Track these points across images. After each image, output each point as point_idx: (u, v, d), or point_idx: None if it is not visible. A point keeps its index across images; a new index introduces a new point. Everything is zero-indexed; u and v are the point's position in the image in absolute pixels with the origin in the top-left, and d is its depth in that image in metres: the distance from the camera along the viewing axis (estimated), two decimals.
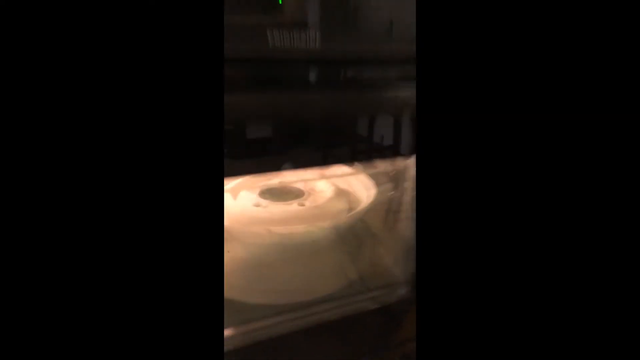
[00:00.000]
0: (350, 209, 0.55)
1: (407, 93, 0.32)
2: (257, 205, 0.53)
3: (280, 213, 0.52)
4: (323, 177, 0.60)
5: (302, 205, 0.54)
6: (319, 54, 0.27)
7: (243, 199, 0.55)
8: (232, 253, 0.51)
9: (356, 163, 0.53)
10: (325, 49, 0.27)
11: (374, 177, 0.56)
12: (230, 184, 0.57)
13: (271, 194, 0.57)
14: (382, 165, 0.51)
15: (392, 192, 0.54)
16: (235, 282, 0.49)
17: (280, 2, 0.26)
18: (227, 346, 0.41)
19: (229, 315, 0.45)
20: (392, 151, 0.40)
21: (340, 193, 0.58)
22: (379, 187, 0.55)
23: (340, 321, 0.46)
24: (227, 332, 0.43)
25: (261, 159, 0.31)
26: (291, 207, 0.53)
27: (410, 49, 0.20)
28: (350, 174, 0.59)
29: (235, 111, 0.26)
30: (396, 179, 0.51)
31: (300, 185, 0.59)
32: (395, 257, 0.54)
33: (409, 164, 0.46)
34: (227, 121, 0.21)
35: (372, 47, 0.29)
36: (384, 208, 0.55)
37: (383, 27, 0.28)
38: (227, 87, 0.20)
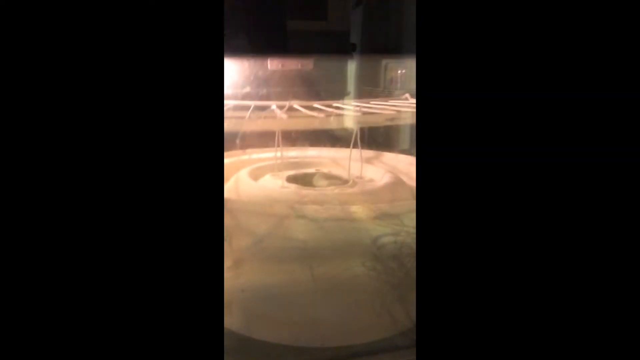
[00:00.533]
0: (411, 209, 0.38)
1: None
2: (284, 188, 0.39)
3: (314, 197, 0.37)
4: (378, 160, 0.45)
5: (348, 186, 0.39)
6: None
7: (269, 184, 0.41)
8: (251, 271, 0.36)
9: None
10: None
11: None
12: (248, 167, 0.44)
13: (299, 179, 0.42)
14: None
15: None
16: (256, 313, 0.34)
17: None
18: None
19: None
20: None
21: (399, 183, 0.42)
22: None
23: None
24: None
25: None
26: (329, 190, 0.38)
27: None
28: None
29: None
30: None
31: (339, 173, 0.44)
32: None
33: None
34: None
35: None
36: None
37: None
38: None
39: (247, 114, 0.36)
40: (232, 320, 0.36)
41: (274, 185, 0.40)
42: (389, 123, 0.35)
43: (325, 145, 0.49)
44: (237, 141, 0.41)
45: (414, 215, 0.19)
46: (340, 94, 0.52)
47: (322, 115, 0.33)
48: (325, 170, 0.45)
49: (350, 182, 0.41)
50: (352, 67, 0.55)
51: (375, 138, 0.49)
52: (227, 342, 0.21)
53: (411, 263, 0.35)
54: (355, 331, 0.36)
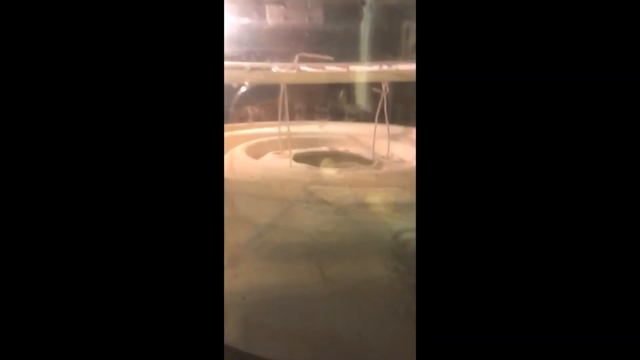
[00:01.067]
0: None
1: None
2: (292, 167, 0.30)
3: (325, 178, 0.29)
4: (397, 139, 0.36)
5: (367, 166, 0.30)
6: None
7: (269, 163, 0.32)
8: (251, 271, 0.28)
9: None
10: None
11: None
12: (246, 143, 0.35)
13: (312, 161, 0.34)
14: None
15: None
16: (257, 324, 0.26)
17: None
18: None
19: None
20: None
21: None
22: None
23: None
24: None
25: None
26: (343, 174, 0.30)
27: None
28: None
29: None
30: None
31: (360, 152, 0.36)
32: None
33: None
34: None
35: None
36: None
37: None
38: None
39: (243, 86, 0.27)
40: (228, 331, 0.28)
41: (279, 165, 0.31)
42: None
43: (342, 120, 0.40)
44: (231, 109, 0.32)
45: None
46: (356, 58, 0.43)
47: (337, 68, 0.24)
48: (342, 149, 0.37)
49: (376, 163, 0.33)
50: (366, 29, 0.46)
51: (403, 111, 0.40)
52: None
53: None
54: (375, 347, 0.28)
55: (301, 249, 0.28)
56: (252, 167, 0.31)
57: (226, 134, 0.37)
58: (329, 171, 0.30)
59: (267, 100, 0.33)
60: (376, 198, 0.30)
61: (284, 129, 0.33)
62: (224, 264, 0.26)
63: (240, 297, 0.28)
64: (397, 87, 0.37)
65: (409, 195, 0.29)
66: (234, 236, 0.28)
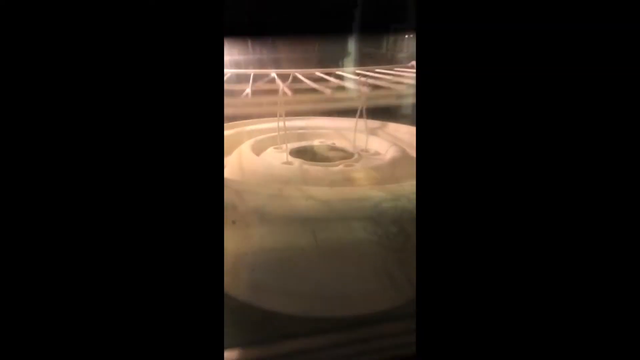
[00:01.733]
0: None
1: None
2: (288, 163, 0.38)
3: (318, 175, 0.36)
4: (382, 129, 0.43)
5: (351, 166, 0.38)
6: None
7: (269, 158, 0.40)
8: (256, 233, 0.36)
9: None
10: None
11: None
12: (252, 140, 0.42)
13: (302, 152, 0.41)
14: None
15: None
16: (260, 281, 0.35)
17: None
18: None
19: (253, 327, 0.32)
20: None
21: (405, 157, 0.41)
22: None
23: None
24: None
25: None
26: (335, 169, 0.38)
27: None
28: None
29: None
30: None
31: (344, 145, 0.43)
32: None
33: None
34: None
35: None
36: None
37: None
38: None
39: (248, 89, 0.34)
40: (235, 285, 0.36)
41: (277, 160, 0.39)
42: (398, 102, 0.33)
43: (329, 115, 0.47)
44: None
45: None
46: (341, 58, 0.49)
47: (328, 91, 0.31)
48: (329, 142, 0.44)
49: (355, 155, 0.40)
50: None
51: (380, 107, 0.46)
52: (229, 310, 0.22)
53: (412, 228, 0.35)
54: (360, 301, 0.37)
55: (298, 216, 0.35)
56: (256, 164, 0.38)
57: (231, 132, 0.45)
58: (317, 166, 0.38)
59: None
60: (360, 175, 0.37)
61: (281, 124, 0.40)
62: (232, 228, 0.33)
63: (244, 254, 0.36)
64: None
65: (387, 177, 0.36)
66: (240, 209, 0.34)
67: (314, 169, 0.37)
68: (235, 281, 0.35)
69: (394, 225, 0.37)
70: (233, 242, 0.34)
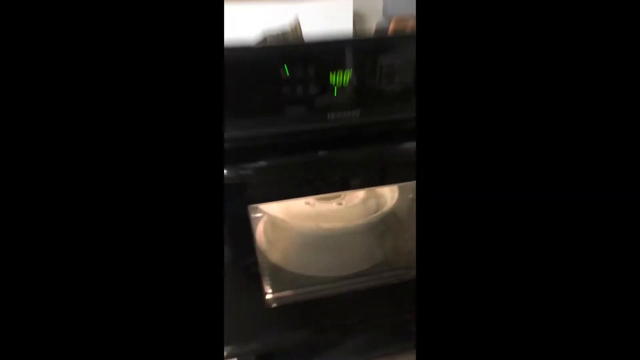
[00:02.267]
0: (378, 208, 0.72)
1: None
2: (307, 204, 0.72)
3: (325, 211, 0.70)
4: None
5: (340, 204, 0.72)
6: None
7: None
8: (288, 237, 0.71)
9: None
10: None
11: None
12: None
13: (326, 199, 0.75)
14: None
15: (410, 196, 0.70)
16: (293, 260, 0.68)
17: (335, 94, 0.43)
18: (288, 301, 0.61)
19: (288, 282, 0.65)
20: None
21: (371, 195, 0.75)
22: (400, 192, 0.71)
23: (369, 290, 0.65)
24: (287, 294, 0.62)
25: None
26: (332, 206, 0.71)
27: None
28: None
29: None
30: (410, 188, 0.67)
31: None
32: (408, 251, 0.70)
33: None
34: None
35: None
36: (406, 208, 0.72)
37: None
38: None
39: None
40: (272, 256, 0.70)
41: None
42: None
43: None
44: None
45: None
46: None
47: None
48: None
49: (341, 196, 0.74)
50: None
51: None
52: (267, 268, 0.52)
53: (389, 221, 0.71)
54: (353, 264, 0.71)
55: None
56: (289, 204, 0.72)
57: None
58: (321, 205, 0.71)
59: None
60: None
61: None
62: None
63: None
64: None
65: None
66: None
67: (321, 206, 0.71)
68: (274, 255, 0.69)
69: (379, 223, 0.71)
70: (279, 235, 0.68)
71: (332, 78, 0.43)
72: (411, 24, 0.64)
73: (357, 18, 0.95)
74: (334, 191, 0.54)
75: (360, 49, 0.42)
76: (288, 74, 0.41)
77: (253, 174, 0.44)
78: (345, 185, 0.51)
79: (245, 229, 0.50)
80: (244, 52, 0.40)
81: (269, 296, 0.61)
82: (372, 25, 0.98)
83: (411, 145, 0.48)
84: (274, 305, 0.60)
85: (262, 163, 0.44)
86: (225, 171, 0.42)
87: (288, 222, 0.66)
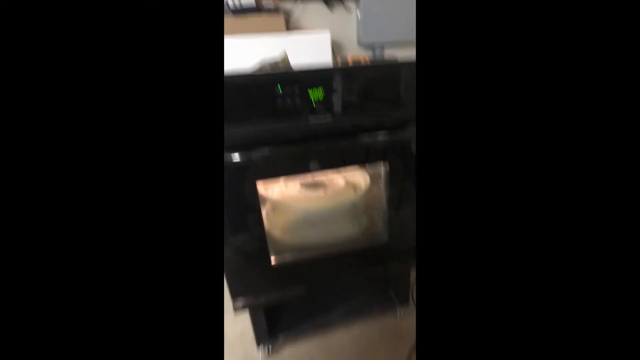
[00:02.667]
0: (355, 194, 0.92)
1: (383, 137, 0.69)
2: (300, 192, 0.92)
3: (313, 196, 0.91)
4: (338, 171, 0.98)
5: (326, 192, 0.92)
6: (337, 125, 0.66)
7: (291, 188, 0.94)
8: (287, 216, 0.91)
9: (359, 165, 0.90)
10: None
11: (368, 171, 0.93)
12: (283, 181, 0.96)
13: (307, 185, 0.96)
14: (371, 168, 0.88)
15: (380, 184, 0.90)
16: (291, 234, 0.88)
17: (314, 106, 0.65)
18: (287, 263, 0.80)
19: (288, 249, 0.84)
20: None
21: (349, 183, 0.95)
22: (371, 179, 0.91)
23: (350, 253, 0.84)
24: (287, 257, 0.82)
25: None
26: (319, 193, 0.92)
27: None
28: (355, 171, 0.96)
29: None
30: (378, 175, 0.87)
31: (324, 179, 0.98)
32: (381, 220, 0.90)
33: (382, 169, 0.82)
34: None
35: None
36: (376, 192, 0.92)
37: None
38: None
39: None
40: (274, 230, 0.90)
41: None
42: None
43: None
44: None
45: None
46: None
47: None
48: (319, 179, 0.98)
49: (327, 184, 0.94)
50: None
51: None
52: (271, 241, 0.72)
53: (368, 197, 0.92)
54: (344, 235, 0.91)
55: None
56: (285, 190, 0.92)
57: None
58: (310, 192, 0.92)
59: None
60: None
61: None
62: None
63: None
64: None
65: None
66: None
67: (310, 193, 0.91)
68: (275, 230, 0.89)
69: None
70: (280, 217, 0.89)
71: (312, 94, 0.64)
72: (362, 57, 0.85)
73: (336, 47, 1.18)
74: (315, 170, 0.74)
75: (330, 74, 0.64)
76: (281, 91, 0.62)
77: (259, 157, 0.64)
78: (324, 165, 0.71)
79: (254, 199, 0.70)
80: (251, 77, 0.61)
81: (273, 259, 0.80)
82: (348, 52, 1.21)
83: (367, 138, 0.69)
84: (277, 265, 0.79)
85: (265, 150, 0.64)
86: (237, 155, 0.63)
87: (286, 203, 0.86)
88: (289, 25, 1.23)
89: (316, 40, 1.01)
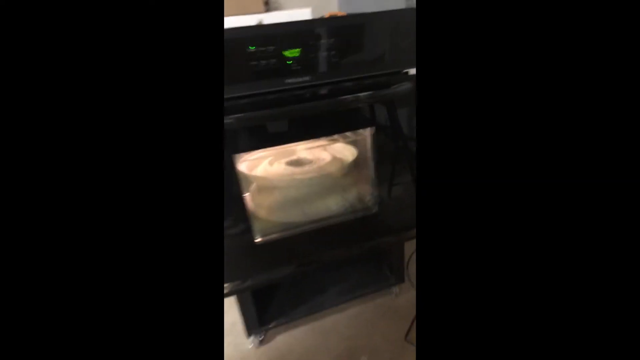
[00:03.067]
0: (342, 166, 0.88)
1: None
2: (285, 170, 0.88)
3: (298, 172, 0.86)
4: (324, 149, 0.94)
5: (311, 168, 0.88)
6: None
7: (276, 166, 0.89)
8: (273, 196, 0.86)
9: (344, 135, 0.85)
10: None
11: (355, 144, 0.89)
12: (268, 158, 0.92)
13: (292, 163, 0.91)
14: (356, 136, 0.84)
15: (368, 154, 0.86)
16: (277, 212, 0.84)
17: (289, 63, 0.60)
18: (274, 240, 0.75)
19: (275, 228, 0.80)
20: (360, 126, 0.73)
21: (336, 158, 0.91)
22: (358, 151, 0.87)
23: (338, 228, 0.80)
24: (274, 235, 0.77)
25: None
26: (304, 168, 0.88)
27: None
28: (339, 143, 0.92)
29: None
30: (365, 145, 0.83)
31: (309, 157, 0.93)
32: (370, 192, 0.86)
33: (368, 137, 0.78)
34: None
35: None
36: (362, 165, 0.88)
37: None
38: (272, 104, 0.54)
39: None
40: (260, 210, 0.85)
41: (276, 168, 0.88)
42: None
43: None
44: None
45: None
46: None
47: None
48: (302, 156, 0.94)
49: (314, 161, 0.90)
50: None
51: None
52: (258, 220, 0.68)
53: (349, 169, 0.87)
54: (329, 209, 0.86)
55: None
56: (270, 168, 0.88)
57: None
58: (295, 169, 0.87)
59: None
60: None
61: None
62: None
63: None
64: None
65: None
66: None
67: (295, 169, 0.86)
68: (260, 211, 0.84)
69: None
70: (264, 197, 0.84)
71: (287, 53, 0.60)
72: (340, 13, 0.82)
73: None
74: (297, 140, 0.69)
75: (306, 29, 0.59)
76: (252, 49, 0.58)
77: (234, 122, 0.59)
78: (306, 133, 0.67)
79: (233, 177, 0.65)
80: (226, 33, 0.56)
81: (258, 238, 0.75)
82: None
83: (350, 99, 0.65)
84: (262, 243, 0.74)
85: (240, 115, 0.59)
86: None
87: (272, 182, 0.82)
88: (269, 7, 1.20)
89: (297, 16, 0.96)
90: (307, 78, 0.63)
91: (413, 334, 0.83)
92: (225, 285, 0.74)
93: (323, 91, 0.64)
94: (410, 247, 1.04)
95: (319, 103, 0.62)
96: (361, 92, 0.64)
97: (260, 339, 0.88)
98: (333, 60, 0.62)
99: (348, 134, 0.85)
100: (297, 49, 0.60)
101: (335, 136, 0.84)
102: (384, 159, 0.76)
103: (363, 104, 0.67)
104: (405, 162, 0.78)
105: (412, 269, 1.02)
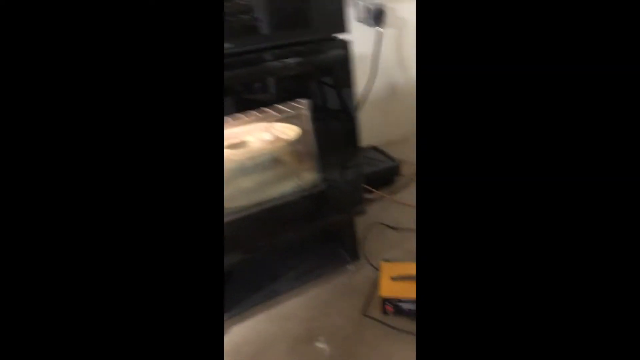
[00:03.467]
0: (285, 145, 0.84)
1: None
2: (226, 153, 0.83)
3: (236, 153, 0.82)
4: (267, 130, 0.90)
5: (252, 148, 0.84)
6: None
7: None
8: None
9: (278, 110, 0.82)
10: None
11: (296, 122, 0.85)
12: None
13: (233, 146, 0.86)
14: (295, 112, 0.81)
15: (309, 130, 0.83)
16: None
17: None
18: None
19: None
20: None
21: (277, 138, 0.87)
22: (300, 128, 0.84)
23: (284, 209, 0.77)
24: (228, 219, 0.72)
25: None
26: (240, 151, 0.83)
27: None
28: (280, 123, 0.88)
29: None
30: (301, 119, 0.80)
31: (251, 139, 0.89)
32: (314, 169, 0.83)
33: (304, 108, 0.75)
34: None
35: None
36: (307, 141, 0.85)
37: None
38: None
39: None
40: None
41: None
42: None
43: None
44: None
45: None
46: None
47: None
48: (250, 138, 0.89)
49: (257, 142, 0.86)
50: None
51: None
52: None
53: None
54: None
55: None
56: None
57: None
58: (238, 152, 0.82)
59: None
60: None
61: None
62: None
63: None
64: None
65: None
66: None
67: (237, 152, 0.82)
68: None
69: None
70: None
71: None
72: None
73: None
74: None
75: None
76: None
77: None
78: (236, 106, 0.63)
79: None
80: None
81: None
82: None
83: (277, 65, 0.61)
84: None
85: None
86: None
87: None
88: None
89: None
90: (227, 45, 0.58)
91: (371, 309, 0.83)
92: None
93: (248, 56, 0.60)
94: (362, 224, 1.03)
95: (241, 71, 0.58)
96: (288, 57, 0.61)
97: None
98: (252, 24, 0.58)
99: (288, 110, 0.81)
100: None
101: (275, 115, 0.81)
102: (325, 134, 0.74)
103: (292, 72, 0.64)
104: (346, 136, 0.76)
105: (367, 246, 1.01)
